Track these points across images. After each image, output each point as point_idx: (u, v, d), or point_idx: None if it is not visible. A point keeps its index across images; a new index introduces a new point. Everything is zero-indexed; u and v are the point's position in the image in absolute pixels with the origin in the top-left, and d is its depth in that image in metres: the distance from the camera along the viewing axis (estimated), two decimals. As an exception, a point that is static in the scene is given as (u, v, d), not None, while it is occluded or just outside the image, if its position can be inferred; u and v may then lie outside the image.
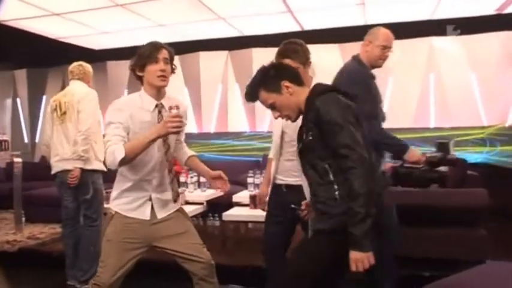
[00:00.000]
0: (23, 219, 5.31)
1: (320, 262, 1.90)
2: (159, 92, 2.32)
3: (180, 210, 2.47)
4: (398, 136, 2.88)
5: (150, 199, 2.31)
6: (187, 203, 4.52)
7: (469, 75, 6.20)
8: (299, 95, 1.99)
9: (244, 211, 4.12)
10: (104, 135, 2.30)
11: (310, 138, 1.91)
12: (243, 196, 4.38)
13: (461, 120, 6.18)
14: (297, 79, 2.04)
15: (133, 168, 2.26)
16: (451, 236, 3.44)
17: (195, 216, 4.66)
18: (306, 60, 2.49)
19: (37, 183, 6.14)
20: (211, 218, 4.96)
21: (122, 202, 2.32)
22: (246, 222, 4.29)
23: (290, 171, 2.64)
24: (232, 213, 4.26)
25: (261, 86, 2.01)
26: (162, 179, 2.34)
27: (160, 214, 2.34)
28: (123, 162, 2.13)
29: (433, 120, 6.37)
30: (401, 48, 6.43)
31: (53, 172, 3.66)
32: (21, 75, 8.57)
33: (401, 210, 2.97)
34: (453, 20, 6.13)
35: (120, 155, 2.09)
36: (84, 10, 5.77)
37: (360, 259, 1.77)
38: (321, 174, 1.91)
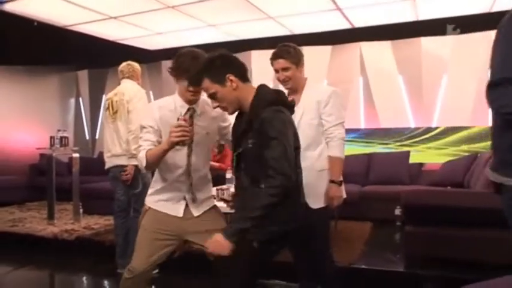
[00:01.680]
0: (81, 210, 5.63)
1: None
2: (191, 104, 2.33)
3: (215, 208, 2.53)
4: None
5: (185, 199, 2.37)
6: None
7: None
8: (242, 91, 1.99)
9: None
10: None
11: (250, 146, 1.93)
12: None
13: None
14: (243, 75, 2.03)
15: (166, 170, 2.33)
16: (493, 238, 3.28)
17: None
18: (298, 61, 2.59)
19: (95, 177, 6.47)
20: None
21: (156, 199, 2.40)
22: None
23: None
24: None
25: (205, 74, 1.99)
26: (198, 180, 2.38)
27: (195, 212, 2.39)
28: (148, 168, 2.23)
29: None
30: (457, 43, 6.23)
31: (106, 167, 3.87)
32: (83, 75, 9.07)
33: (438, 211, 2.90)
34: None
35: (144, 162, 2.19)
36: (138, 13, 6.02)
37: (220, 243, 1.84)
38: (252, 180, 1.94)
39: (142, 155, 2.21)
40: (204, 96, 2.27)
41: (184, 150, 2.28)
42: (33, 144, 6.77)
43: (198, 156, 2.35)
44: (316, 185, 2.54)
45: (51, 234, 4.89)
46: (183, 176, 2.33)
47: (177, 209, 2.37)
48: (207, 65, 2.00)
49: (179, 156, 2.30)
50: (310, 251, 2.64)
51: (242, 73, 2.03)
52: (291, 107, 2.08)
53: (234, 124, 2.13)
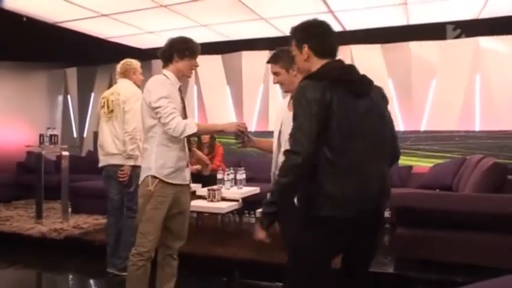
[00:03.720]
0: (69, 209, 5.58)
1: None
2: (181, 79, 2.81)
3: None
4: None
5: (187, 165, 2.77)
6: (223, 199, 4.61)
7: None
8: (314, 63, 2.02)
9: (279, 209, 4.15)
10: (159, 107, 2.59)
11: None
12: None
13: (508, 124, 5.97)
14: (323, 52, 2.04)
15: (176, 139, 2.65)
16: (485, 242, 3.35)
17: (231, 212, 4.75)
18: (289, 65, 2.56)
19: (83, 176, 6.43)
20: (247, 215, 5.04)
21: (167, 171, 2.65)
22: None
23: None
24: (267, 211, 4.31)
25: (294, 35, 2.08)
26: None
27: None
28: (189, 136, 2.62)
29: (478, 124, 6.19)
30: (445, 48, 6.32)
31: (100, 165, 3.85)
32: (71, 73, 9.00)
33: (428, 213, 2.92)
34: (499, 19, 5.93)
35: (192, 129, 2.56)
36: (130, 11, 5.99)
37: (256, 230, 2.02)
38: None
39: (189, 122, 2.58)
40: None
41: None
42: (20, 142, 6.69)
43: None
44: None
45: (39, 233, 4.84)
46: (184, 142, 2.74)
47: (185, 177, 2.76)
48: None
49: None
50: None
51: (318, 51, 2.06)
52: (352, 82, 1.94)
53: None
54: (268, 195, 1.95)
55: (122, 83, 3.86)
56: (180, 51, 2.75)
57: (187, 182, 2.80)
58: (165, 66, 2.80)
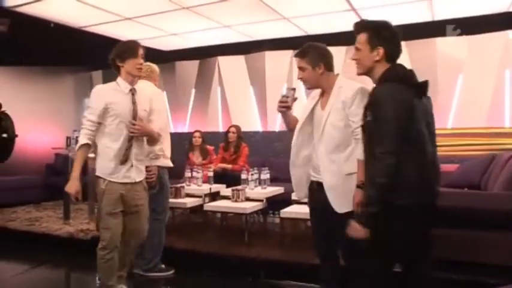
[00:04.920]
0: (96, 210, 5.66)
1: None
2: (133, 80, 2.98)
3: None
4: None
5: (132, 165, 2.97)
6: (247, 199, 4.62)
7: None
8: (380, 67, 2.18)
9: (303, 209, 4.12)
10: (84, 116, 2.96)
11: (369, 119, 2.12)
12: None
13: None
14: (392, 59, 2.19)
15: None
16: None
17: (255, 212, 4.75)
18: (315, 63, 2.57)
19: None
20: (271, 215, 5.03)
21: (108, 171, 2.96)
22: (304, 220, 4.28)
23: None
24: (290, 211, 4.30)
25: (368, 31, 2.20)
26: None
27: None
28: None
29: (508, 120, 6.02)
30: (472, 44, 6.17)
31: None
32: (97, 76, 9.14)
33: (461, 212, 2.86)
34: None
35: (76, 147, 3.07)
36: (153, 14, 6.07)
37: (358, 230, 2.10)
38: (371, 152, 2.09)
39: (80, 141, 2.97)
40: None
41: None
42: (49, 144, 6.84)
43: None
44: (343, 189, 2.47)
45: (67, 234, 4.94)
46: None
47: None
48: (375, 25, 2.24)
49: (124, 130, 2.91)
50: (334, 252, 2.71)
51: (391, 56, 2.20)
52: (418, 86, 2.16)
53: None
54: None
55: (143, 84, 3.86)
56: (119, 55, 2.94)
57: (133, 181, 2.96)
58: (118, 74, 3.00)
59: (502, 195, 3.47)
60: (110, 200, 2.90)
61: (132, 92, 2.97)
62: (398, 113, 2.00)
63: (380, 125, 2.02)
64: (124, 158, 2.90)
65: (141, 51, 2.96)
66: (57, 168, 7.46)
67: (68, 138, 5.84)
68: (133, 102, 2.95)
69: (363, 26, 2.24)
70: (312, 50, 2.59)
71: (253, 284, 3.80)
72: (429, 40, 6.43)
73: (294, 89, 2.65)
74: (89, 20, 6.43)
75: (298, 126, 2.68)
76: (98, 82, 9.11)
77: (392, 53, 2.18)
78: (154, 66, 3.98)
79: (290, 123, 2.76)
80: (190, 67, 8.21)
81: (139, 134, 2.95)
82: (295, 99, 2.66)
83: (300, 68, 2.60)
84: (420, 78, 2.19)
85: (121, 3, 5.77)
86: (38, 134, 8.23)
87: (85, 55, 8.24)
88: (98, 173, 2.96)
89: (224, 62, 7.90)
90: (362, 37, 2.21)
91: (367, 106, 2.17)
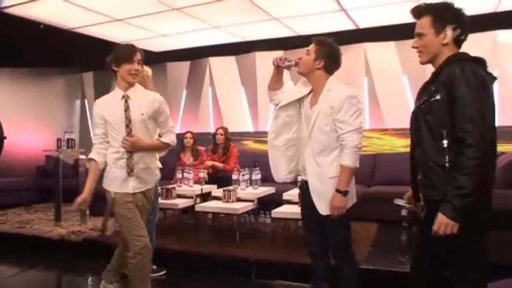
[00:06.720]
0: (87, 212, 5.65)
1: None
2: (129, 85, 2.86)
3: None
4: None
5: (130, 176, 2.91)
6: (238, 200, 4.63)
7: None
8: (447, 52, 1.98)
9: (293, 209, 4.15)
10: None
11: (438, 98, 1.90)
12: (293, 194, 4.41)
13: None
14: (460, 42, 2.00)
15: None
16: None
17: (246, 212, 4.76)
18: (320, 56, 2.61)
19: (101, 179, 6.48)
20: (263, 215, 5.04)
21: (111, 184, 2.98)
22: (295, 220, 4.30)
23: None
24: (281, 211, 4.31)
25: (431, 14, 2.00)
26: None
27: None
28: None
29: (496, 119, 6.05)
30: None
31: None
32: (88, 77, 9.12)
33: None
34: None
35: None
36: (143, 15, 6.07)
37: (447, 224, 1.81)
38: (435, 137, 1.91)
39: (91, 156, 2.94)
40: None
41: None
42: (39, 146, 6.80)
43: (137, 133, 2.85)
44: (326, 192, 2.52)
45: (58, 236, 4.92)
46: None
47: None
48: (439, 7, 2.01)
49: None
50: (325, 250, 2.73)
51: (459, 40, 2.00)
52: (491, 74, 1.96)
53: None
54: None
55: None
56: (114, 60, 2.85)
57: (132, 191, 2.88)
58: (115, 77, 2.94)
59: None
60: (124, 207, 2.86)
61: (125, 98, 2.85)
62: (487, 96, 1.84)
63: (476, 108, 1.79)
64: (127, 168, 2.84)
65: (137, 57, 2.83)
66: (48, 170, 7.42)
67: (58, 139, 5.82)
68: (126, 109, 2.83)
69: (423, 8, 2.03)
70: (325, 45, 2.64)
71: (244, 284, 3.82)
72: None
73: (296, 64, 2.65)
74: (79, 22, 6.41)
75: (282, 104, 2.69)
76: (89, 84, 9.12)
77: (460, 35, 1.97)
78: (146, 70, 3.90)
79: (272, 84, 2.79)
80: (182, 68, 8.21)
81: (130, 149, 2.83)
82: (289, 68, 2.71)
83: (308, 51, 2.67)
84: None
85: (111, 5, 5.76)
86: (28, 136, 8.18)
87: (76, 56, 8.22)
88: (103, 184, 2.96)
89: (215, 63, 7.91)
90: (424, 21, 2.00)
91: (439, 84, 1.92)
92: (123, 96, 2.86)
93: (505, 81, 6.02)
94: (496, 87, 5.83)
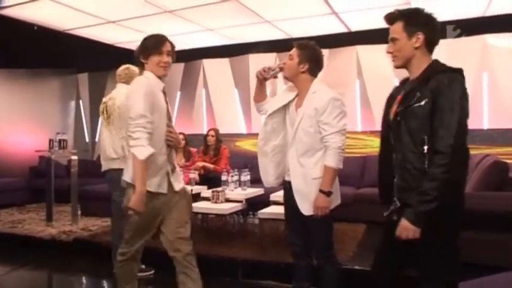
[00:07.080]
0: (79, 212, 5.71)
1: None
2: (161, 78, 2.64)
3: None
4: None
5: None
6: (227, 201, 4.67)
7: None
8: (420, 55, 2.04)
9: (280, 209, 4.17)
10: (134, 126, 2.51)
11: (423, 104, 1.92)
12: (280, 195, 4.44)
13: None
14: (432, 45, 2.05)
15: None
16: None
17: (235, 213, 4.81)
18: (304, 60, 2.68)
19: (94, 179, 6.52)
20: (251, 215, 5.09)
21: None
22: (282, 220, 4.33)
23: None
24: (269, 211, 4.36)
25: (403, 19, 2.04)
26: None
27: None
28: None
29: (486, 122, 6.14)
30: (449, 47, 6.28)
31: (102, 170, 3.93)
32: (83, 78, 9.17)
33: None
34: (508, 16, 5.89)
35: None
36: (136, 17, 6.12)
37: (408, 228, 1.89)
38: (416, 142, 1.94)
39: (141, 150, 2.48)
40: None
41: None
42: (34, 147, 6.83)
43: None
44: (310, 193, 2.56)
45: (49, 236, 4.97)
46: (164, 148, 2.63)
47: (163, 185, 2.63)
48: (410, 13, 2.07)
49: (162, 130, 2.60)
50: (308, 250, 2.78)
51: (432, 43, 2.05)
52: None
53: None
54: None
55: (120, 89, 3.90)
56: (142, 51, 2.61)
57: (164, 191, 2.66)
58: (143, 70, 2.68)
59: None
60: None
61: (164, 90, 2.71)
62: (465, 107, 1.89)
63: (454, 117, 1.85)
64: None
65: (166, 47, 2.59)
66: (41, 170, 7.45)
67: (50, 140, 5.85)
68: (166, 101, 2.75)
69: (395, 14, 2.07)
70: (307, 48, 2.70)
71: (231, 284, 3.86)
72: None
73: (281, 69, 2.71)
74: (73, 23, 6.46)
75: (269, 112, 2.75)
76: (84, 85, 9.16)
77: (435, 42, 2.05)
78: (135, 69, 3.89)
79: (257, 96, 2.87)
80: (175, 70, 8.23)
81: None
82: (275, 76, 2.77)
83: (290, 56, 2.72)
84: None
85: (105, 7, 5.81)
86: (23, 137, 8.22)
87: (70, 58, 8.28)
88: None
89: (209, 65, 7.96)
90: (397, 26, 2.05)
91: (426, 91, 1.94)
92: (163, 89, 2.69)
93: (495, 85, 6.08)
94: (485, 90, 6.03)
